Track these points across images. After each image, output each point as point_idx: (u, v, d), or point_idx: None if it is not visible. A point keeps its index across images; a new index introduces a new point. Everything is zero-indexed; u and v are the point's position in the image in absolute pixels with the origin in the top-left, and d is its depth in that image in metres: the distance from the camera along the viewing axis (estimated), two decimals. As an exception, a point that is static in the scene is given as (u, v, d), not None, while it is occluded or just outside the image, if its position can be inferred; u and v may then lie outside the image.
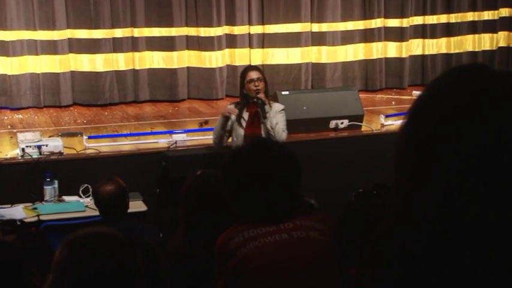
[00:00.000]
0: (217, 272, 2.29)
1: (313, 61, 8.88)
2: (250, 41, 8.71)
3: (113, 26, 8.23)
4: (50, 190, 5.48)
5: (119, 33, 8.28)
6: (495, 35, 9.51)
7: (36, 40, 8.02)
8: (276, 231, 2.25)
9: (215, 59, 8.52)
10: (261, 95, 5.33)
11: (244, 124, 5.39)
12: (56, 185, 5.52)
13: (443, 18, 9.29)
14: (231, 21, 8.62)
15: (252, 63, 8.73)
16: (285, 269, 2.20)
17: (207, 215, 2.78)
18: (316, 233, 2.26)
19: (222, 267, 2.26)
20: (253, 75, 5.41)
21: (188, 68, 8.55)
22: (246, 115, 5.41)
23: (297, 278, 2.20)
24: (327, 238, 2.27)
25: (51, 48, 8.06)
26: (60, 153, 5.84)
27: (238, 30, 8.65)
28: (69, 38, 8.13)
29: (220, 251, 2.26)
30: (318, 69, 8.89)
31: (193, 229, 2.79)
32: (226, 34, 8.62)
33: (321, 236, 2.26)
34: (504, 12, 9.54)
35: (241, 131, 5.37)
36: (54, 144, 5.87)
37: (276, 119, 5.37)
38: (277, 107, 5.48)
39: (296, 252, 2.22)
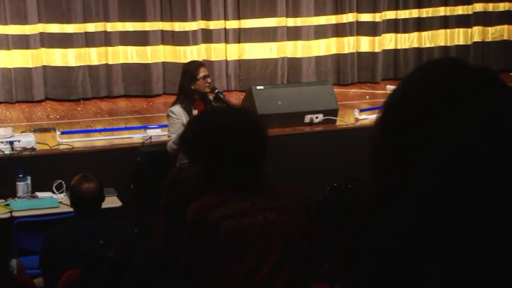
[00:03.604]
0: (187, 241, 2.24)
1: (289, 56, 8.89)
2: (226, 36, 8.69)
3: (85, 21, 8.16)
4: (22, 186, 5.41)
5: (91, 27, 8.20)
6: (469, 29, 9.58)
7: (7, 35, 7.91)
8: (252, 211, 2.27)
9: (190, 54, 8.48)
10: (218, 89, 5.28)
11: None
12: (29, 181, 5.45)
13: (415, 13, 9.36)
14: (207, 16, 8.59)
15: (228, 59, 8.72)
16: (261, 254, 2.24)
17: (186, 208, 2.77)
18: (286, 213, 2.32)
19: (195, 237, 2.22)
20: (205, 71, 5.30)
21: (164, 63, 8.51)
22: (195, 113, 5.23)
23: (273, 262, 2.25)
24: (293, 215, 2.33)
25: (23, 42, 7.96)
26: (33, 149, 5.77)
27: (214, 25, 8.62)
28: (40, 33, 8.04)
29: (198, 221, 2.21)
30: (294, 64, 8.90)
31: (173, 222, 2.77)
32: (202, 29, 8.59)
33: (289, 215, 2.32)
34: (478, 7, 9.60)
35: None
36: (27, 140, 5.81)
37: None
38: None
39: (271, 238, 2.27)
